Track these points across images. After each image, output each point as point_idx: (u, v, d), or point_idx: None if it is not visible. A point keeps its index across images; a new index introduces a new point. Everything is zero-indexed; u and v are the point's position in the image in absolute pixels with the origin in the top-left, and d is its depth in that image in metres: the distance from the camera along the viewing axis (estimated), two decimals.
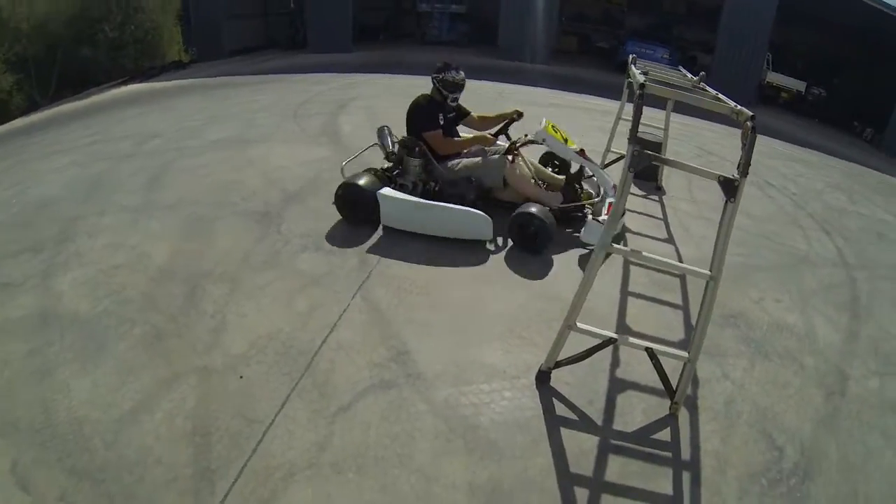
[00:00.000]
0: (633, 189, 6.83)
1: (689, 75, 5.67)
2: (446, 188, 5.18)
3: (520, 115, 5.56)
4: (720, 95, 4.22)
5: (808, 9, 18.12)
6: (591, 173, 5.55)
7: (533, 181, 5.28)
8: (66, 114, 12.10)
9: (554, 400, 3.35)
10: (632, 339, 3.39)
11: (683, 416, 3.43)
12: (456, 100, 5.38)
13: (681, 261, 5.16)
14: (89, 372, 3.43)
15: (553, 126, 5.31)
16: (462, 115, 5.61)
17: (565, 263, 4.76)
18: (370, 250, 4.66)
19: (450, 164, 5.27)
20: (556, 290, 4.31)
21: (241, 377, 3.33)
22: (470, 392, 3.29)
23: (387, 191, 4.92)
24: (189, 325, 3.81)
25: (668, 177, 7.24)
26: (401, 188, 5.15)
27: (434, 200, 4.94)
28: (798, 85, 19.36)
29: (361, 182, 4.98)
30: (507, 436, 3.06)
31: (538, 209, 4.78)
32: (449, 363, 3.46)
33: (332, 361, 3.41)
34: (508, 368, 3.50)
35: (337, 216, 5.13)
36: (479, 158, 5.27)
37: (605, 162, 7.01)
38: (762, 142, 11.40)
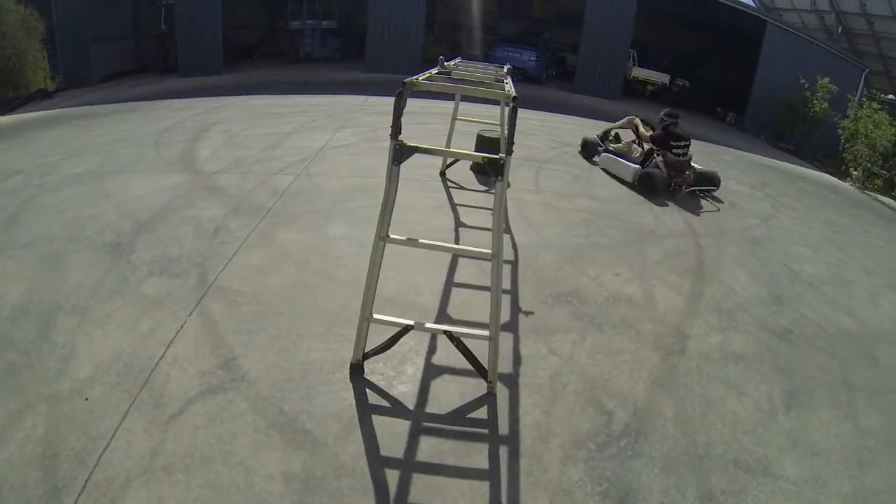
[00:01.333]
0: (475, 185, 7.23)
1: (504, 70, 6.02)
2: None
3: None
4: (508, 87, 4.48)
5: (668, 7, 19.44)
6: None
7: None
8: None
9: (367, 390, 3.51)
10: (429, 325, 3.59)
11: (504, 394, 3.53)
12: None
13: (515, 247, 5.43)
14: None
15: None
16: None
17: (394, 263, 4.72)
18: (209, 269, 4.78)
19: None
20: (380, 290, 4.42)
21: (86, 399, 3.44)
22: (288, 388, 3.50)
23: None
24: (41, 357, 3.83)
25: (515, 170, 7.52)
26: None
27: None
28: (663, 78, 20.43)
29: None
30: (320, 426, 3.23)
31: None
32: (271, 365, 3.68)
33: (167, 375, 3.57)
34: (325, 364, 3.70)
35: (183, 239, 5.27)
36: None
37: (447, 163, 7.38)
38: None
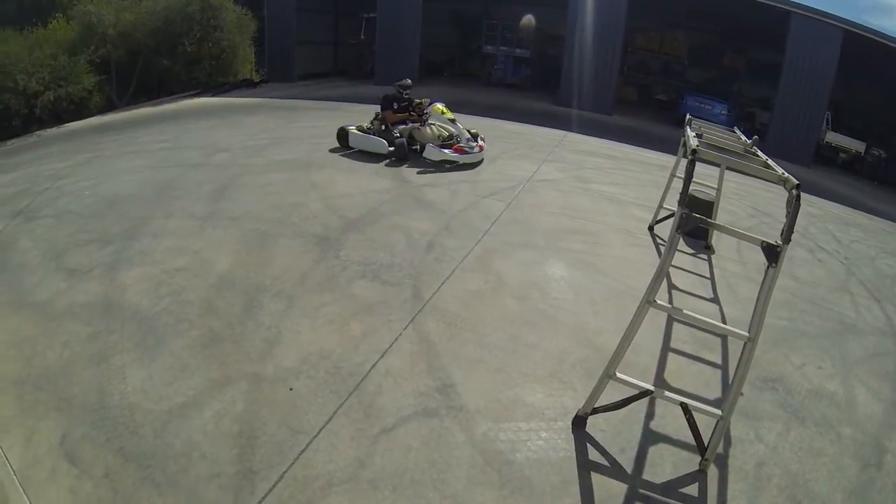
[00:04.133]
0: (683, 247, 6.94)
1: (744, 138, 5.80)
2: (394, 139, 8.97)
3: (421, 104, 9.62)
4: (769, 161, 4.38)
5: (870, 67, 17.76)
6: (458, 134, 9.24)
7: (431, 136, 9.21)
8: (141, 118, 12.94)
9: (587, 445, 3.50)
10: (667, 394, 3.54)
11: (713, 473, 3.52)
12: (406, 95, 9.60)
13: (724, 321, 5.25)
14: (146, 363, 3.77)
15: (444, 109, 9.38)
16: (412, 104, 9.60)
17: (613, 316, 4.80)
18: (424, 284, 4.91)
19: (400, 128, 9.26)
20: (601, 341, 4.46)
21: (290, 389, 3.60)
22: (508, 429, 3.47)
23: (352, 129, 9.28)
24: (245, 334, 4.12)
25: (719, 236, 7.29)
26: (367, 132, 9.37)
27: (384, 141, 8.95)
28: (857, 145, 18.73)
29: (350, 128, 9.32)
30: (539, 473, 3.22)
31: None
32: (491, 400, 3.66)
33: (379, 385, 3.65)
34: (547, 410, 3.68)
35: (394, 247, 5.49)
36: (409, 125, 9.31)
37: (658, 218, 7.18)
38: (817, 204, 11.46)
